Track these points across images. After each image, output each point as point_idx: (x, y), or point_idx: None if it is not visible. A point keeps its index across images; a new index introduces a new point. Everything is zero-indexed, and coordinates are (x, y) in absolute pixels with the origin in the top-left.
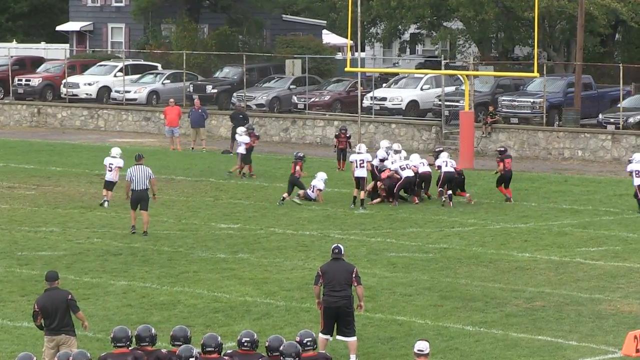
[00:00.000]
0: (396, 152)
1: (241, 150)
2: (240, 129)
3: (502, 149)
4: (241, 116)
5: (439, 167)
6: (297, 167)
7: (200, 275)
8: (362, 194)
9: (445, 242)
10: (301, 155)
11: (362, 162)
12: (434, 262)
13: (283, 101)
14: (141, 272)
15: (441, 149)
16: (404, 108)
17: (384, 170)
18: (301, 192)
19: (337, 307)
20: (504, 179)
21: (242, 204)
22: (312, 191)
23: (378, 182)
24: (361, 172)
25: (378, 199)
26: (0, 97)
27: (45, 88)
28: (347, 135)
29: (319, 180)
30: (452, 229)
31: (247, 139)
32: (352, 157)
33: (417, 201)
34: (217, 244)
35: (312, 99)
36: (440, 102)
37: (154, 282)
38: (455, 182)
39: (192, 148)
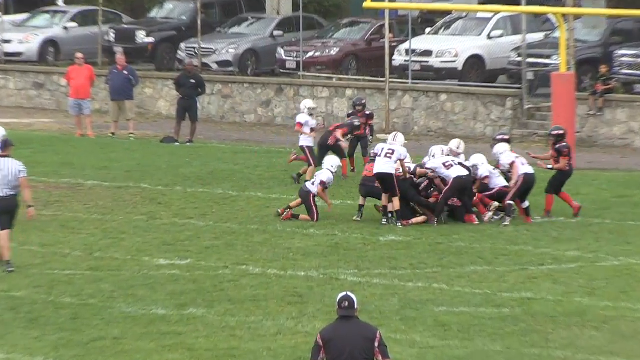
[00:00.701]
0: (454, 153)
1: (306, 140)
2: (308, 102)
3: (561, 131)
4: (193, 81)
5: (512, 163)
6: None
7: (125, 343)
8: (396, 202)
9: (529, 289)
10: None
11: (390, 152)
12: (512, 322)
13: (262, 57)
14: (27, 339)
15: (506, 137)
16: (460, 68)
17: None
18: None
19: None
20: (563, 180)
21: (195, 226)
22: (313, 184)
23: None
24: (384, 166)
25: (421, 218)
26: None
27: None
28: (367, 112)
29: (326, 170)
30: (540, 267)
31: (312, 121)
32: (377, 148)
33: (475, 221)
34: (152, 293)
35: (311, 54)
36: (519, 59)
37: (49, 354)
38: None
39: (113, 134)
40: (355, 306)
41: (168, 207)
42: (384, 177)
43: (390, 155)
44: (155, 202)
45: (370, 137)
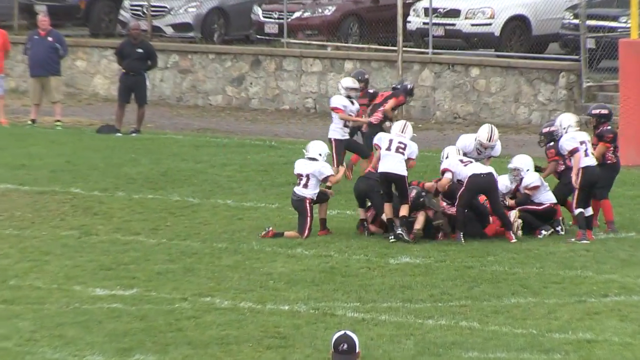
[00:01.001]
0: (485, 147)
1: (337, 132)
2: (347, 82)
3: (605, 111)
4: (140, 51)
5: (574, 151)
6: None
7: None
8: (404, 209)
9: (589, 328)
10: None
11: (402, 147)
12: None
13: (233, 19)
14: None
15: (553, 129)
16: (497, 33)
17: None
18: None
19: None
20: (613, 177)
21: (143, 245)
22: (305, 186)
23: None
24: (397, 165)
25: (421, 217)
26: None
27: None
28: (370, 91)
29: (324, 163)
30: (604, 299)
31: (352, 107)
32: (377, 138)
33: (513, 238)
34: (86, 333)
35: (298, 15)
36: (576, 22)
37: None
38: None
39: (34, 121)
40: (357, 349)
41: (107, 219)
42: (394, 180)
43: (402, 151)
44: (90, 213)
45: (384, 125)
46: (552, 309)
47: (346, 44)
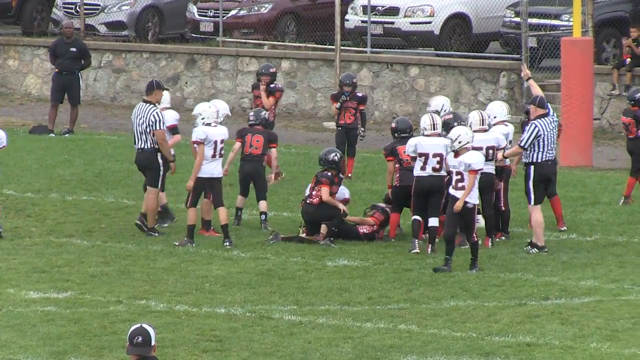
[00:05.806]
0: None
1: None
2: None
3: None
4: (74, 50)
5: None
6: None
7: None
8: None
9: (529, 332)
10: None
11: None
12: None
13: (168, 17)
14: None
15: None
16: (437, 32)
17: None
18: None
19: None
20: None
21: (77, 247)
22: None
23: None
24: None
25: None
26: None
27: None
28: (359, 94)
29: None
30: (544, 302)
31: None
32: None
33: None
34: (19, 336)
35: (234, 13)
36: (517, 19)
37: None
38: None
39: None
40: (153, 342)
41: (40, 221)
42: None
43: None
44: (23, 214)
45: (362, 130)
46: (492, 312)
47: (283, 43)
